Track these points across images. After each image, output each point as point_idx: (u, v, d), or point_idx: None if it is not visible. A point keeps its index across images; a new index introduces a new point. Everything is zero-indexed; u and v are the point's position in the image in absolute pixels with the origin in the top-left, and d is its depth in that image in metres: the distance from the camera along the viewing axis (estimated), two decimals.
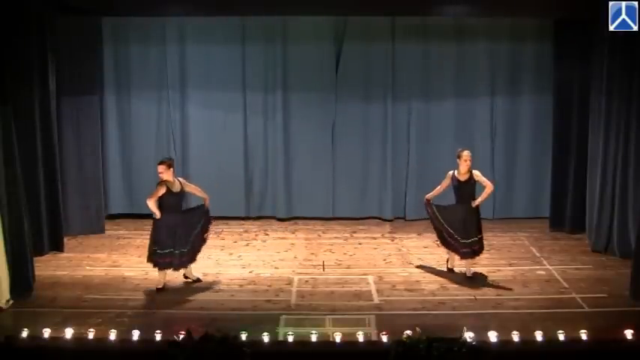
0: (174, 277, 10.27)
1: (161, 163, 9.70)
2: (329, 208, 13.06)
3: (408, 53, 12.77)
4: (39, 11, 10.61)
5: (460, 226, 9.98)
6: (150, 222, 9.92)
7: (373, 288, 9.89)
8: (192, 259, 9.97)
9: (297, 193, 13.11)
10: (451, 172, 10.04)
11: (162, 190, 9.58)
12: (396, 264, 10.89)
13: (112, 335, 7.82)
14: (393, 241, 11.99)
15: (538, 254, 11.21)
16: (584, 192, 11.74)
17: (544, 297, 9.58)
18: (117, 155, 12.97)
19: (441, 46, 12.75)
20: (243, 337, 7.58)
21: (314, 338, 7.83)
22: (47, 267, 10.58)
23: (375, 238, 12.10)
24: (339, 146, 13.01)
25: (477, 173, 9.99)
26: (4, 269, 9.17)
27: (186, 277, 10.07)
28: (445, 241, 10.23)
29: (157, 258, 9.69)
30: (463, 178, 9.94)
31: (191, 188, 10.07)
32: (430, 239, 11.96)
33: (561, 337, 7.78)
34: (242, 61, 12.79)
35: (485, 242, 11.73)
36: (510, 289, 9.78)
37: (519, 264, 10.80)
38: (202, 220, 10.00)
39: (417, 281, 10.15)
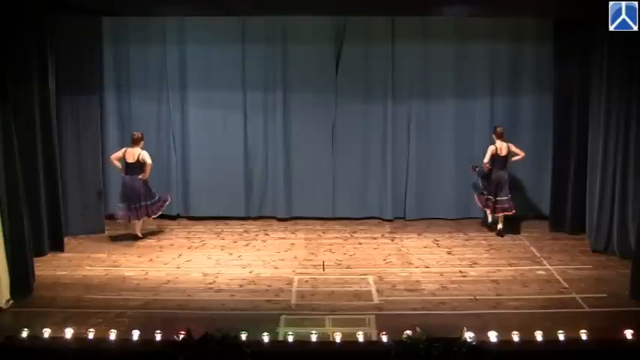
0: (176, 277, 10.29)
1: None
2: (329, 208, 13.06)
3: (408, 53, 12.76)
4: (39, 11, 10.60)
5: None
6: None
7: (373, 288, 9.90)
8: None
9: (297, 193, 13.10)
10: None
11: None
12: (396, 264, 10.90)
13: (112, 335, 7.81)
14: (393, 241, 11.99)
15: (538, 254, 11.22)
16: (584, 192, 11.73)
17: (544, 297, 9.58)
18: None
19: (441, 46, 12.74)
20: (243, 337, 7.57)
21: (314, 338, 7.82)
22: (47, 267, 10.58)
23: (375, 238, 12.10)
24: (339, 146, 13.00)
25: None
26: (4, 269, 9.18)
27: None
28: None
29: None
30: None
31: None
32: (430, 239, 11.98)
33: (561, 337, 7.77)
34: (242, 61, 12.78)
35: (485, 242, 11.82)
36: (510, 289, 9.81)
37: (519, 264, 10.80)
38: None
39: (417, 281, 10.16)
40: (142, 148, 11.71)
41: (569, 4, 10.99)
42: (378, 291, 9.78)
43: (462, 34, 12.67)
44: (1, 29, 9.79)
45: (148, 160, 11.65)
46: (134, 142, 11.68)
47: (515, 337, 7.76)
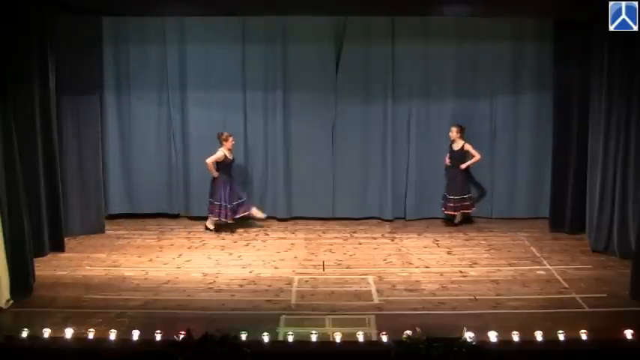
0: (176, 277, 10.29)
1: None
2: (329, 208, 13.05)
3: (408, 53, 12.75)
4: (39, 11, 10.60)
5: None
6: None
7: (373, 288, 9.90)
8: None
9: (297, 193, 13.10)
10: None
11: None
12: (396, 264, 10.90)
13: (112, 335, 7.82)
14: (393, 241, 11.99)
15: (538, 254, 11.22)
16: (584, 192, 11.73)
17: (544, 297, 9.58)
18: (117, 155, 12.95)
19: (441, 46, 12.73)
20: (243, 337, 7.58)
21: (314, 338, 7.83)
22: (47, 267, 10.58)
23: (375, 238, 12.10)
24: (339, 146, 13.00)
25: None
26: (4, 269, 9.18)
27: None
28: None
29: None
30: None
31: None
32: (430, 239, 11.98)
33: (561, 337, 7.78)
34: (242, 61, 12.77)
35: (485, 242, 11.82)
36: (510, 289, 9.81)
37: (519, 264, 10.80)
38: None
39: (417, 281, 10.16)
40: (228, 149, 12.18)
41: (569, 4, 10.99)
42: (378, 291, 9.78)
43: (462, 34, 12.66)
44: (1, 29, 9.79)
45: (207, 159, 12.09)
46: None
47: (515, 337, 7.76)
